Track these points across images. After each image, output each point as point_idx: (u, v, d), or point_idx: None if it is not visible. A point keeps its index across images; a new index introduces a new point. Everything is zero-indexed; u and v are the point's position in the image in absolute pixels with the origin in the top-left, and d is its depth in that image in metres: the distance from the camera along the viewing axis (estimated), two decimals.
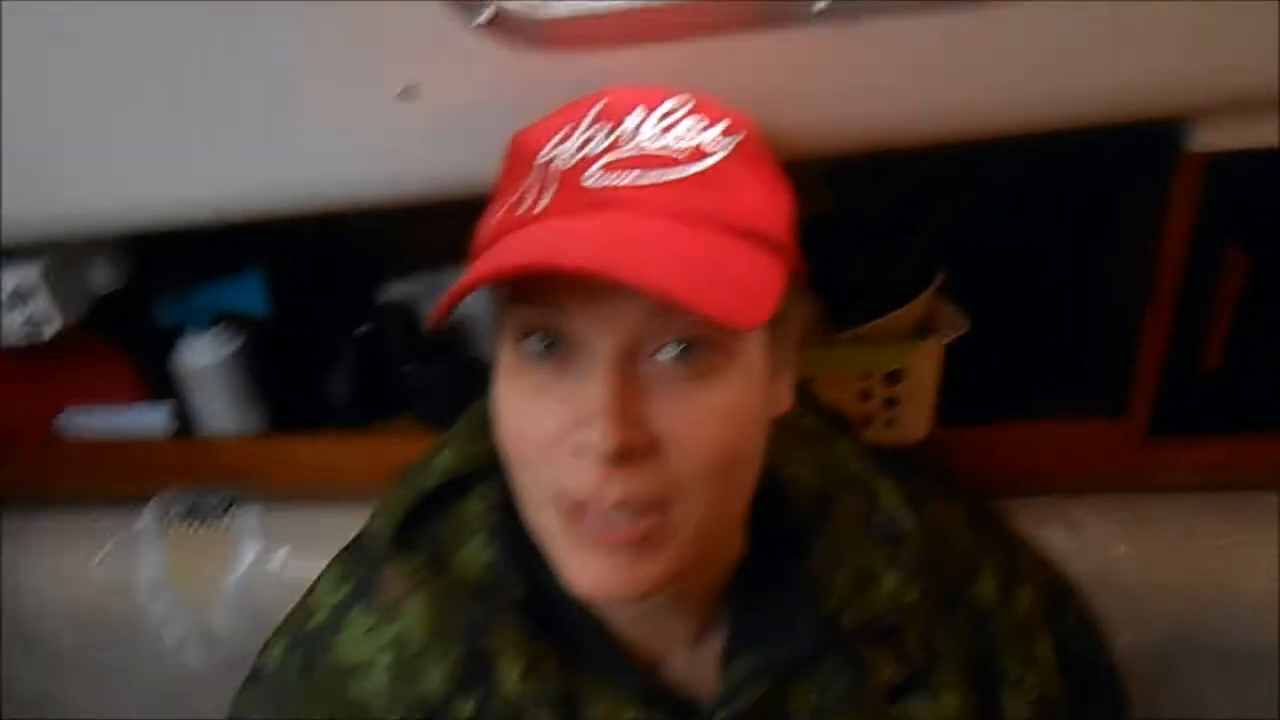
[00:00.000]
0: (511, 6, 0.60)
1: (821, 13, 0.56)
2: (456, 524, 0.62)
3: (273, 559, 0.94)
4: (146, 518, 0.97)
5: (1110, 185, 0.81)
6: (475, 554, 0.61)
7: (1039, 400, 0.87)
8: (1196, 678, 0.83)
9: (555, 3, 0.60)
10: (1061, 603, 0.76)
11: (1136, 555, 0.80)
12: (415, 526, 0.62)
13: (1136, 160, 0.76)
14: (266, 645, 0.66)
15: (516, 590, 0.59)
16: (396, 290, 1.01)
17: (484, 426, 0.65)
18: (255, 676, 0.65)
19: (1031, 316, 0.89)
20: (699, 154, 0.49)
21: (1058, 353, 0.90)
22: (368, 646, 0.61)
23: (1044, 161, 0.83)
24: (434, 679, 0.59)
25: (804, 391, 0.70)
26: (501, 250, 0.47)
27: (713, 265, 0.46)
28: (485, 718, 0.58)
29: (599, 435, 0.45)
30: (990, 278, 0.85)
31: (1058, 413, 0.85)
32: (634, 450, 0.46)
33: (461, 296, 0.45)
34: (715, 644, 0.61)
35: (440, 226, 0.78)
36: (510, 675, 0.58)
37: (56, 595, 1.00)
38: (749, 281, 0.47)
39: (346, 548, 0.68)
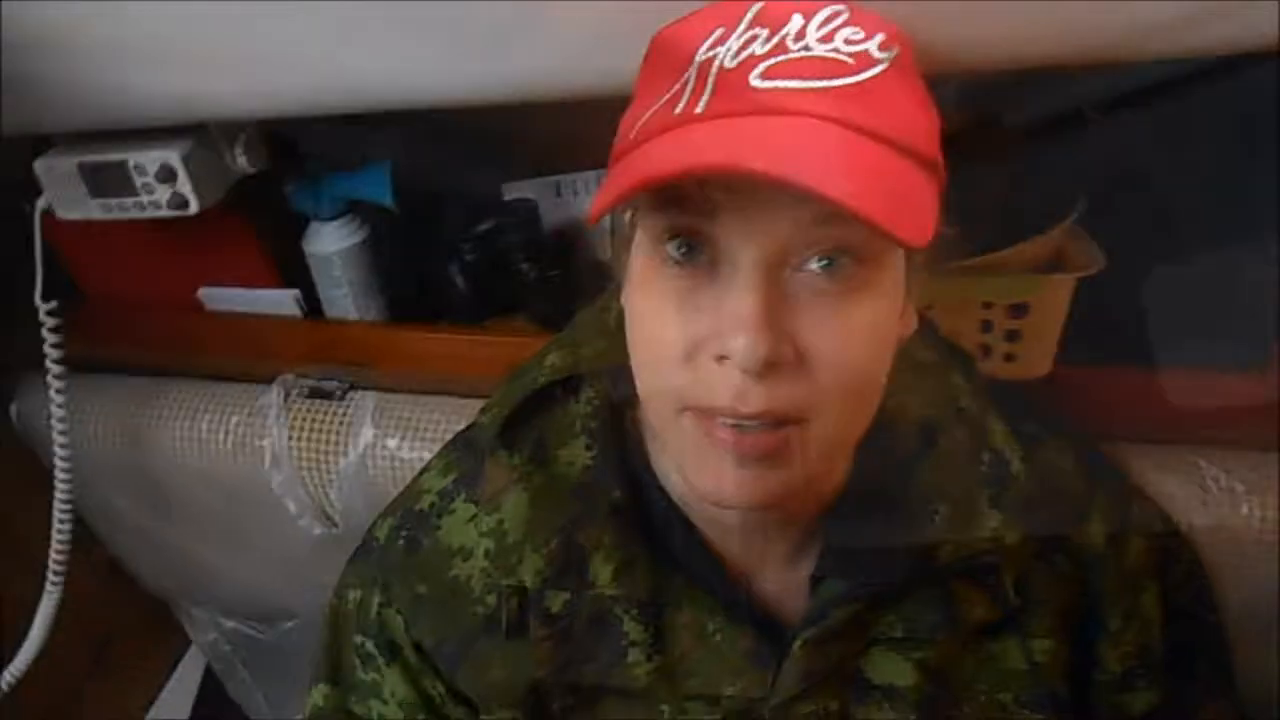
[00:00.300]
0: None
1: None
2: (559, 424, 0.64)
3: (387, 442, 0.98)
4: (272, 394, 1.02)
5: (1269, 123, 0.75)
6: (576, 455, 0.62)
7: (1173, 345, 0.83)
8: None
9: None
10: (1172, 555, 0.73)
11: (1260, 515, 0.77)
12: (520, 424, 0.64)
13: None
14: (377, 521, 0.69)
15: (614, 493, 0.61)
16: (518, 189, 1.01)
17: (593, 331, 0.66)
18: (364, 549, 0.69)
19: (1173, 257, 0.84)
20: (862, 64, 0.47)
21: (1197, 297, 0.85)
22: (469, 533, 0.63)
23: (1202, 96, 0.78)
24: (529, 569, 0.61)
25: (925, 321, 0.69)
26: (673, 148, 0.45)
27: (881, 178, 0.44)
28: (575, 610, 0.60)
29: (747, 346, 0.44)
30: (1133, 214, 0.81)
31: (1192, 360, 0.80)
32: (779, 362, 0.45)
33: (639, 191, 0.44)
34: (807, 567, 0.61)
35: (566, 127, 0.78)
36: (603, 573, 0.60)
37: (189, 458, 1.06)
38: (911, 197, 0.45)
39: (456, 438, 0.70)
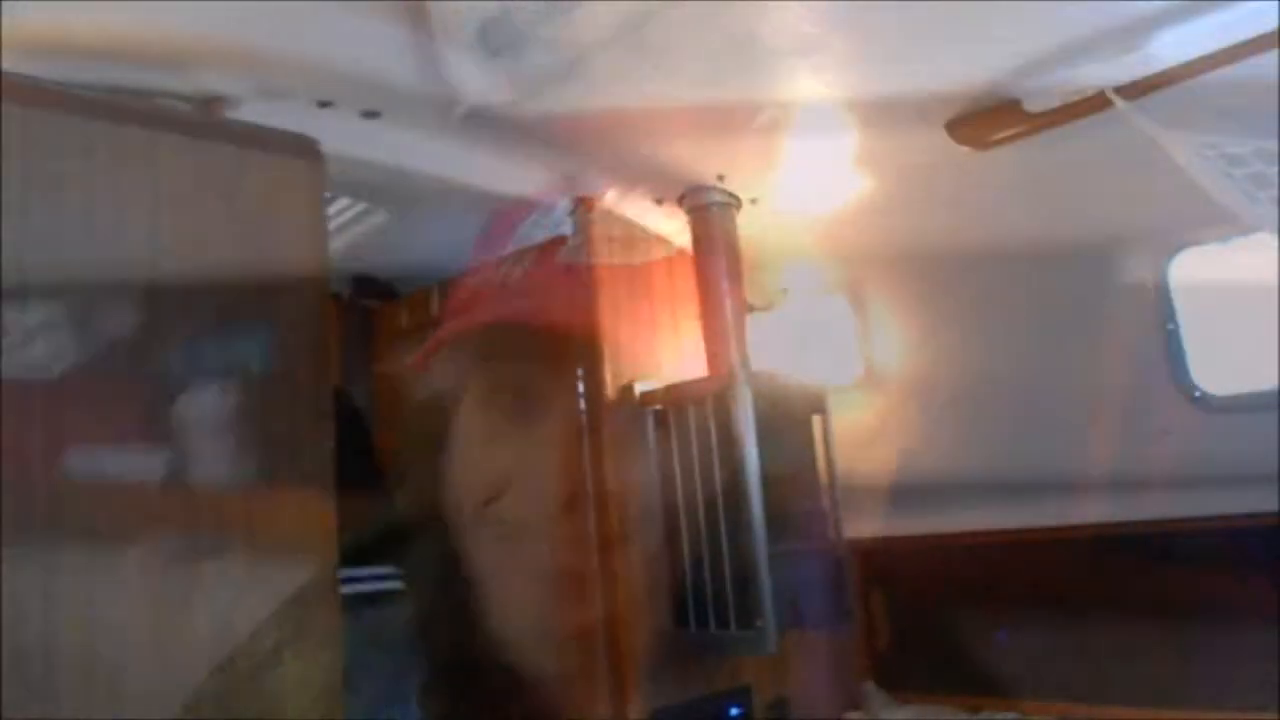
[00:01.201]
0: (491, 102, 0.65)
1: (763, 124, 0.61)
2: None
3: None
4: (134, 560, 1.00)
5: None
6: None
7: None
8: None
9: (531, 101, 0.65)
10: None
11: None
12: None
13: None
14: None
15: None
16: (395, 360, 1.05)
17: None
18: None
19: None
20: (657, 244, 0.55)
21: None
22: None
23: None
24: None
25: None
26: (476, 309, 0.53)
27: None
28: None
29: None
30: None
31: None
32: None
33: (439, 348, 0.52)
34: None
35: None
36: None
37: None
38: None
39: None
